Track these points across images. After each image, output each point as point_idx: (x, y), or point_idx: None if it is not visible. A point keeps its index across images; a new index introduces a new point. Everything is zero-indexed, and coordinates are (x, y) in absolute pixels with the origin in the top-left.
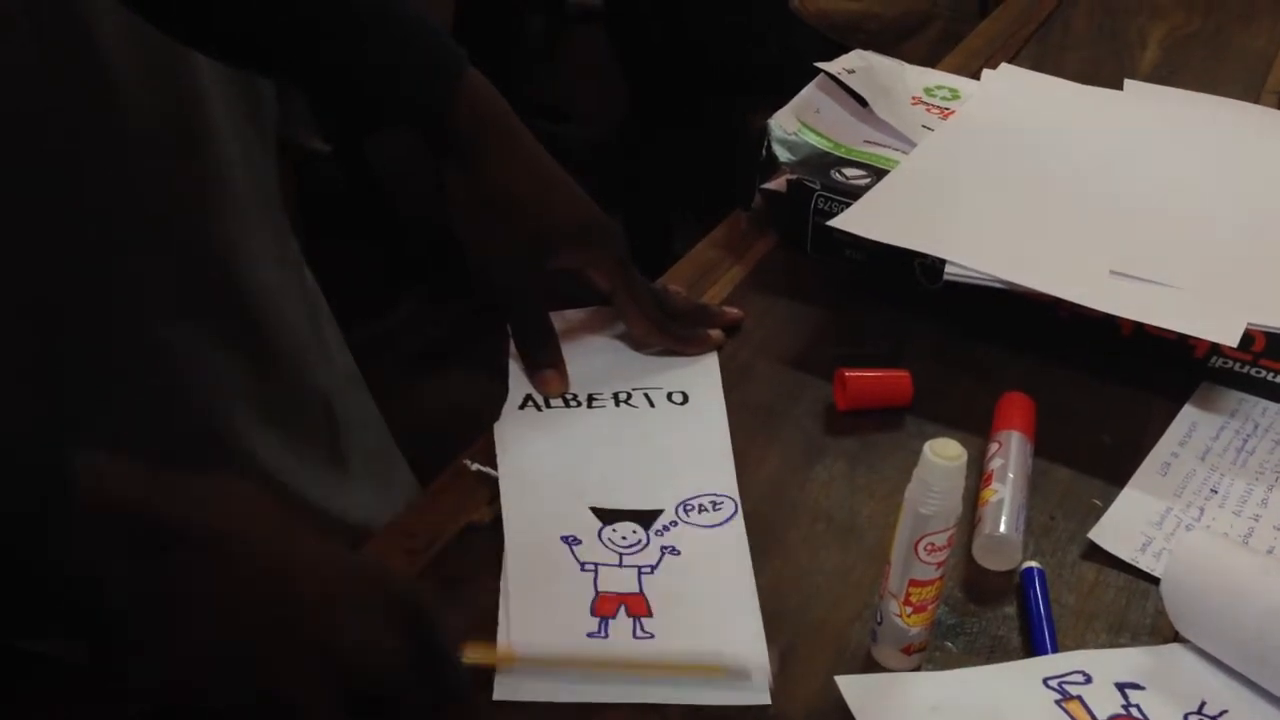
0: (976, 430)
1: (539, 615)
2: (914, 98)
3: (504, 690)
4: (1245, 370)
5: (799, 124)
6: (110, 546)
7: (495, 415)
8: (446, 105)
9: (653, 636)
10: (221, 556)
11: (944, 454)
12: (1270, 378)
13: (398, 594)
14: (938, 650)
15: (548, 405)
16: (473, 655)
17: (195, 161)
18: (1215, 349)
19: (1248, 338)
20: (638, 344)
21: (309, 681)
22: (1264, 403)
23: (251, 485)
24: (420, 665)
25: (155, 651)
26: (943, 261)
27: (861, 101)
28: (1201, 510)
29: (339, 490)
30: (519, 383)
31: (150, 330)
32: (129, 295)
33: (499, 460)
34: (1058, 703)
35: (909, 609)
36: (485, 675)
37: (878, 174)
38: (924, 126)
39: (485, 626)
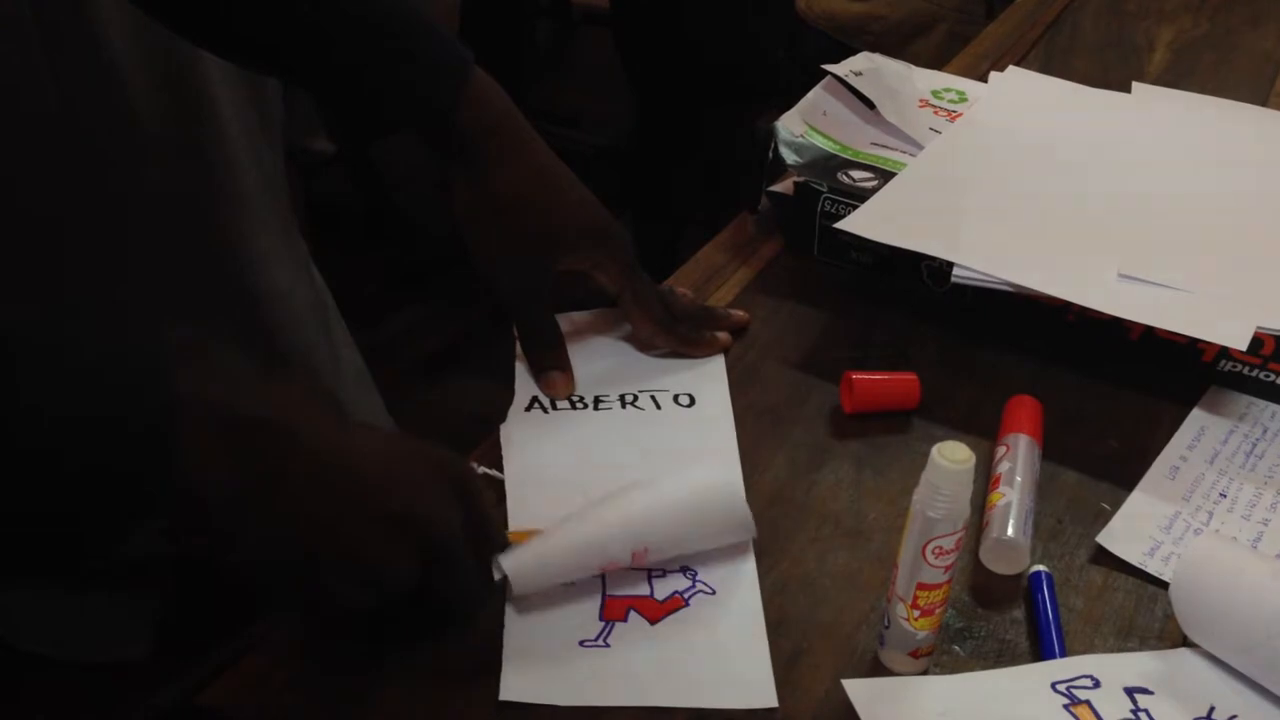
0: (984, 434)
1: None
2: (921, 100)
3: (510, 691)
4: (1254, 374)
5: (806, 126)
6: (208, 440)
7: (501, 417)
8: (454, 107)
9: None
10: (306, 446)
11: (952, 457)
12: (1279, 381)
13: (457, 476)
14: (945, 654)
15: (554, 407)
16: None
17: (204, 162)
18: (1224, 352)
19: (1257, 341)
20: (644, 346)
21: (394, 540)
22: (1273, 407)
23: (322, 389)
24: (469, 521)
25: (256, 532)
26: (950, 264)
27: (868, 104)
28: (1210, 514)
29: None
30: (525, 384)
31: (159, 329)
32: (139, 294)
33: (505, 462)
34: (1066, 707)
35: (916, 612)
36: (495, 667)
37: (885, 176)
38: (931, 129)
39: (489, 628)
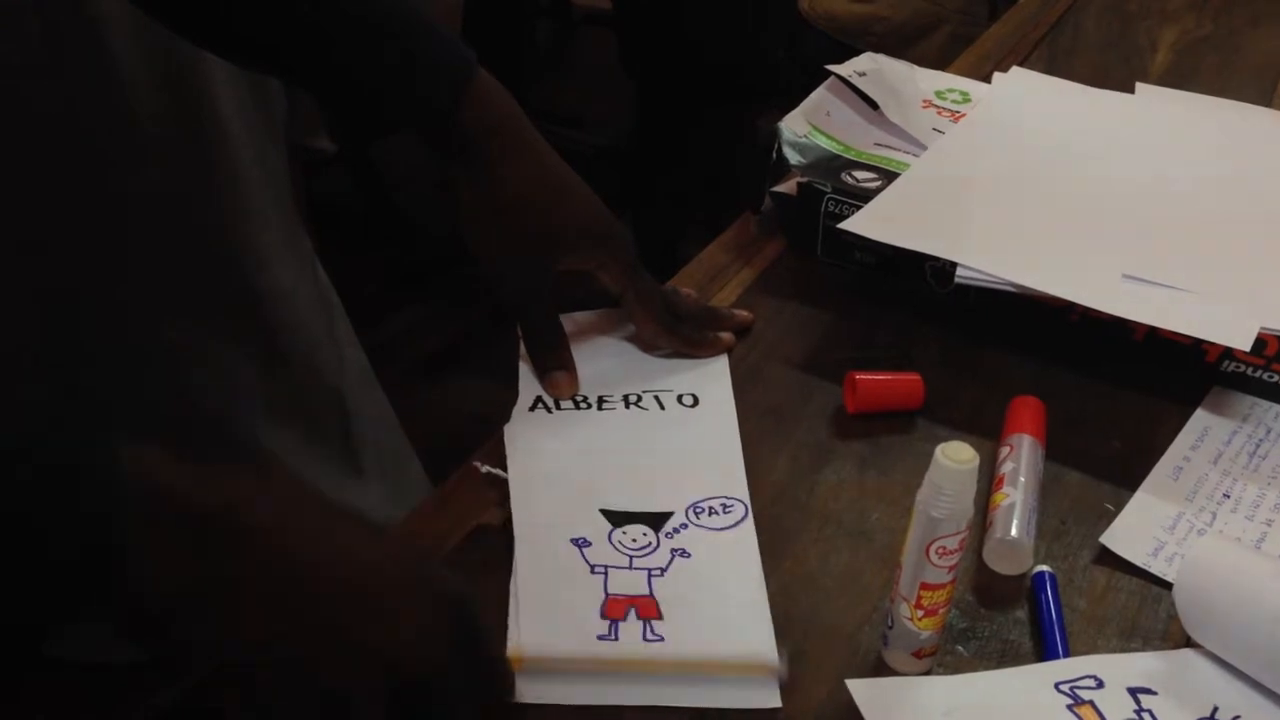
0: (987, 434)
1: (548, 617)
2: (924, 101)
3: (517, 691)
4: (1258, 375)
5: (809, 127)
6: (154, 535)
7: (505, 417)
8: (456, 107)
9: (662, 639)
10: (267, 546)
11: (956, 457)
12: None
13: (443, 586)
14: (949, 654)
15: (558, 407)
16: None
17: (207, 159)
18: (1228, 353)
19: (1260, 342)
20: (647, 346)
21: (357, 674)
22: (1276, 407)
23: (292, 476)
24: (465, 660)
25: (203, 641)
26: (954, 265)
27: (872, 104)
28: (1214, 515)
29: (351, 488)
30: (529, 385)
31: (163, 328)
32: (142, 294)
33: (509, 462)
34: (1069, 708)
35: (920, 612)
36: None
37: (888, 177)
38: (934, 129)
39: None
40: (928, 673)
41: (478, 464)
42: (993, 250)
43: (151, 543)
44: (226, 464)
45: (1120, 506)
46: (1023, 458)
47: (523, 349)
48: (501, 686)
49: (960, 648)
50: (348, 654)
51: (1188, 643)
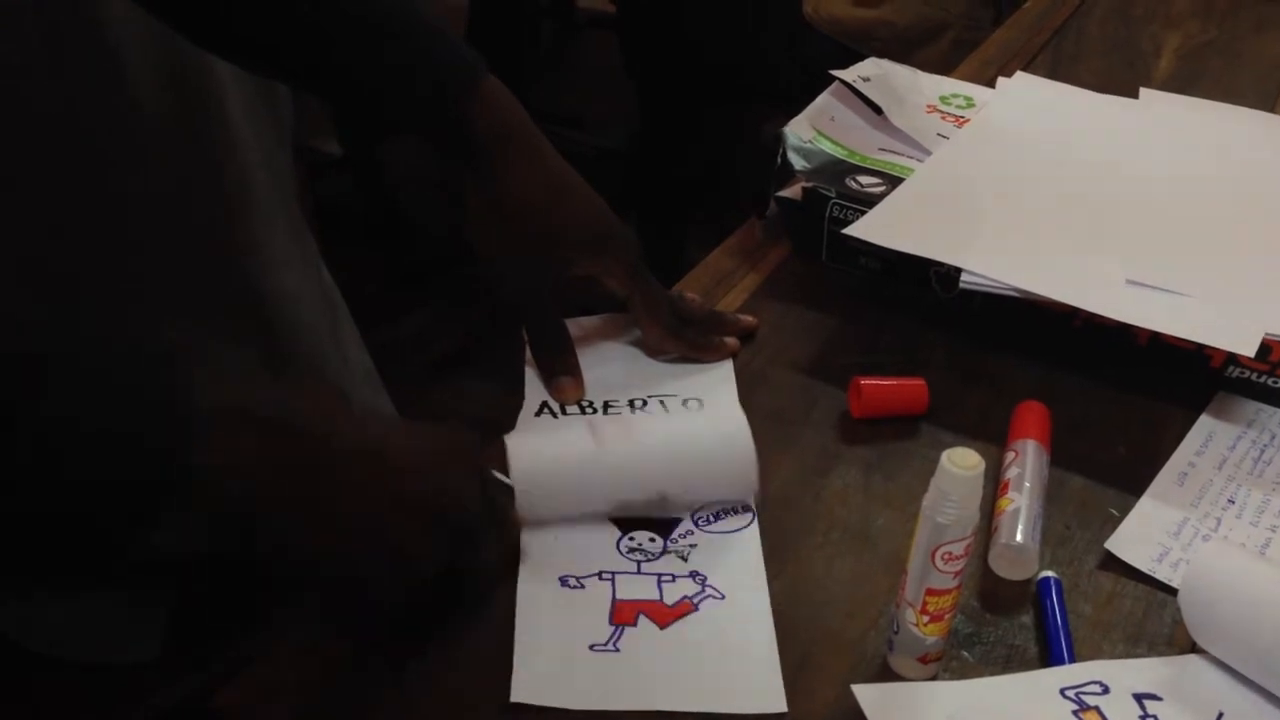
0: (992, 439)
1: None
2: (929, 105)
3: (520, 693)
4: (1262, 380)
5: (814, 132)
6: (229, 440)
7: (509, 419)
8: (464, 111)
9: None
10: (330, 440)
11: (962, 463)
12: None
13: (471, 451)
14: (954, 659)
15: (563, 412)
16: None
17: (212, 160)
18: (1232, 359)
19: (1265, 348)
20: (653, 351)
21: (423, 536)
22: None
23: (337, 390)
24: (492, 514)
25: (284, 527)
26: (958, 270)
27: (876, 109)
28: (1219, 520)
29: None
30: (535, 389)
31: (167, 329)
32: (146, 294)
33: (514, 467)
34: (1075, 713)
35: (926, 618)
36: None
37: (893, 182)
38: (939, 134)
39: (499, 631)
40: (933, 678)
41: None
42: (997, 255)
43: (226, 451)
44: (274, 373)
45: (1125, 512)
46: (1028, 463)
47: (529, 353)
48: (512, 532)
49: (965, 653)
50: (418, 512)
51: (1193, 648)
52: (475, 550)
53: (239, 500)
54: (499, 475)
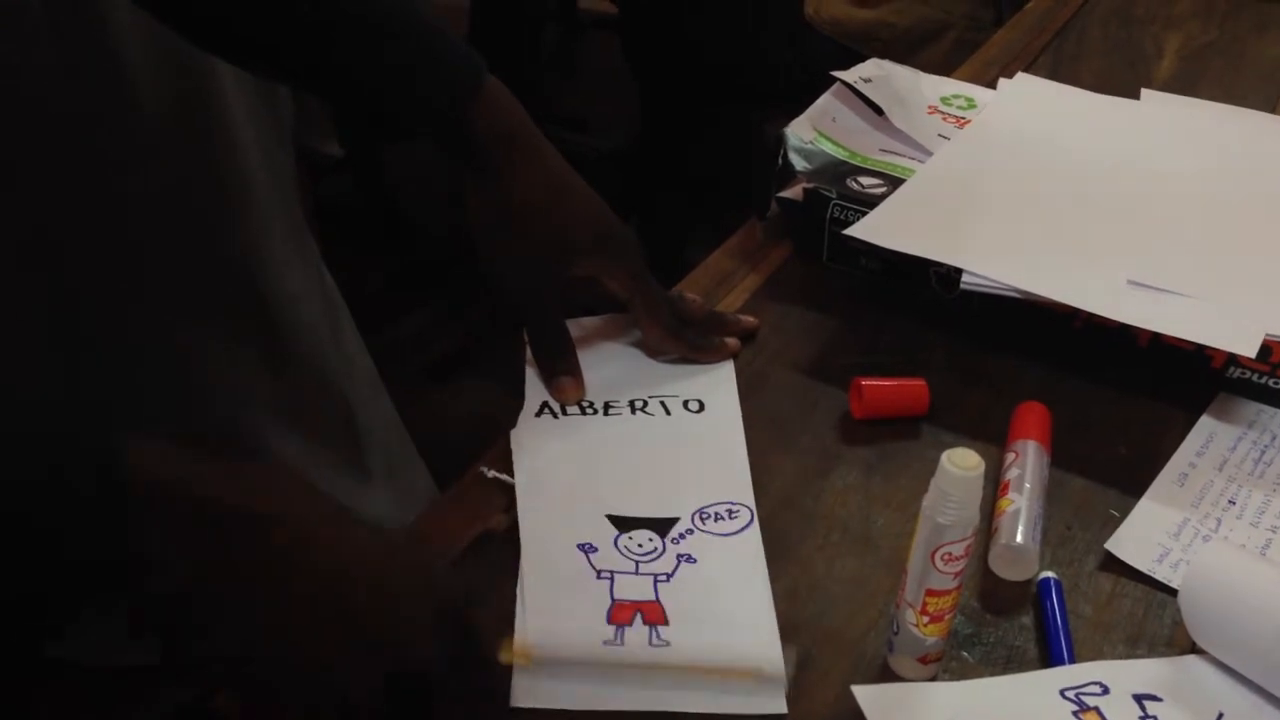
0: (993, 440)
1: (555, 622)
2: (930, 106)
3: (521, 696)
4: (1263, 381)
5: (815, 133)
6: (162, 528)
7: (512, 422)
8: (466, 113)
9: (669, 644)
10: (272, 539)
11: (962, 464)
12: None
13: (444, 586)
14: (954, 660)
15: (564, 412)
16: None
17: (214, 161)
18: (1233, 359)
19: (1265, 348)
20: (653, 352)
21: (357, 666)
22: None
23: (297, 473)
24: (461, 659)
25: (207, 631)
26: (959, 271)
27: (877, 110)
28: (1219, 521)
29: (358, 493)
30: (535, 390)
31: (170, 330)
32: (148, 296)
33: (515, 467)
34: (1075, 714)
35: (926, 619)
36: (505, 680)
37: (894, 183)
38: (940, 135)
39: (502, 633)
40: (933, 679)
41: (484, 469)
42: (998, 256)
43: (158, 536)
44: (233, 459)
45: (1125, 513)
46: (1028, 464)
47: (529, 354)
48: (490, 685)
49: (966, 654)
50: (348, 642)
51: (1193, 649)
52: (426, 708)
53: (170, 588)
54: (500, 476)
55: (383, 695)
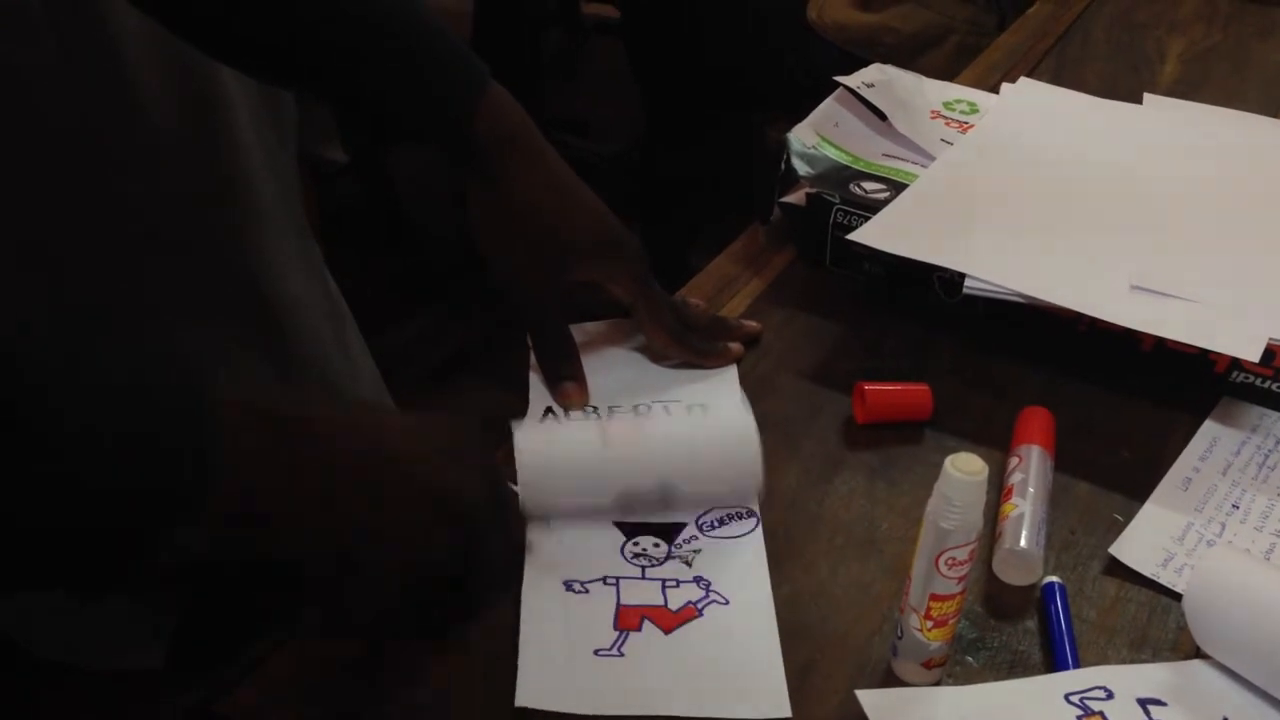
0: (996, 444)
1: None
2: (933, 111)
3: (525, 697)
4: (1267, 385)
5: (818, 137)
6: (249, 436)
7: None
8: (468, 117)
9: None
10: (344, 434)
11: (966, 469)
12: None
13: (479, 443)
14: (958, 665)
15: (568, 417)
16: None
17: (218, 164)
18: (1236, 364)
19: (1269, 353)
20: (657, 356)
21: (435, 529)
22: None
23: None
24: (500, 509)
25: (296, 524)
26: (962, 275)
27: (880, 115)
28: (1223, 526)
29: None
30: (539, 395)
31: (175, 335)
32: (151, 298)
33: (519, 473)
34: (1079, 718)
35: (930, 623)
36: (511, 674)
37: (897, 188)
38: (943, 140)
39: (503, 636)
40: (937, 683)
41: None
42: (1001, 261)
43: (242, 447)
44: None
45: (1129, 517)
46: (1032, 468)
47: (533, 359)
48: (519, 529)
49: (970, 658)
50: (429, 506)
51: (1197, 653)
52: (483, 545)
53: (250, 497)
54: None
55: (459, 556)
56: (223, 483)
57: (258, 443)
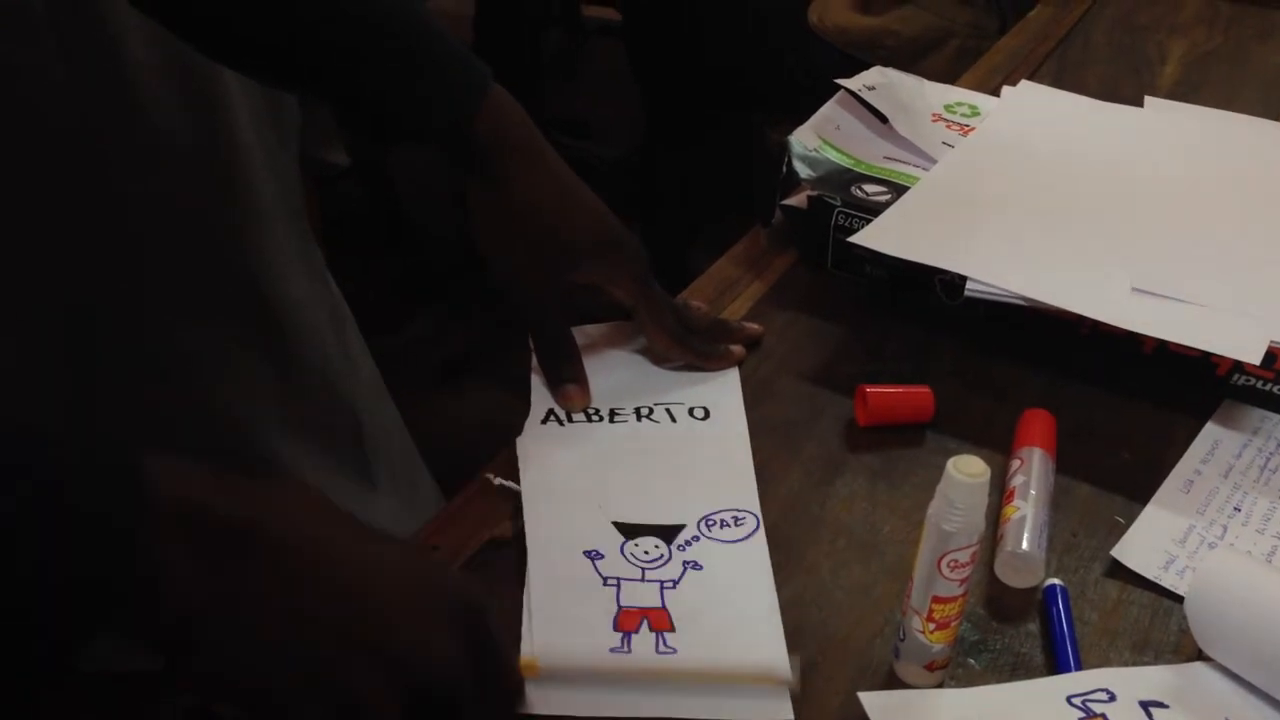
0: (998, 447)
1: (562, 630)
2: (934, 114)
3: (529, 703)
4: (1268, 388)
5: (819, 140)
6: (178, 545)
7: (517, 430)
8: (469, 119)
9: (675, 651)
10: (288, 558)
11: (967, 471)
12: None
13: (460, 599)
14: (960, 667)
15: (570, 420)
16: None
17: (220, 167)
18: (1238, 366)
19: (1270, 355)
20: (659, 359)
21: (372, 682)
22: None
23: (314, 489)
24: (478, 668)
25: (221, 650)
26: (963, 278)
27: (882, 118)
28: (1225, 528)
29: (364, 500)
30: (541, 397)
31: (177, 337)
32: (156, 302)
33: (521, 475)
34: None
35: (932, 625)
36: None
37: (898, 190)
38: (944, 143)
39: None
40: (939, 685)
41: (490, 476)
42: (1002, 263)
43: (174, 554)
44: (248, 475)
45: (1131, 519)
46: (1033, 470)
47: (535, 361)
48: (513, 696)
49: (972, 660)
50: (365, 659)
51: (1199, 656)
52: (445, 712)
53: (184, 606)
54: (505, 483)
55: (401, 712)
56: (146, 589)
57: (192, 556)
